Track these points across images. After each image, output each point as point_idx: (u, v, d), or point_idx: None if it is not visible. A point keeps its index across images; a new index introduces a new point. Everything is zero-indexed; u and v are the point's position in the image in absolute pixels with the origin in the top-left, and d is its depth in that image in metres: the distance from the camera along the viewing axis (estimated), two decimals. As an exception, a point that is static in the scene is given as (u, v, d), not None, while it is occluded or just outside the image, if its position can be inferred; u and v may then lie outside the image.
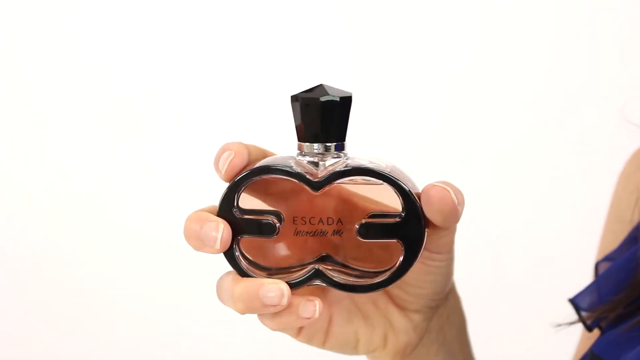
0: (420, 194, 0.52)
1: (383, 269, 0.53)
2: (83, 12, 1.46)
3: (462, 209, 0.52)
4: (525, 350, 1.37)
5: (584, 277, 0.76)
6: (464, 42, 1.39)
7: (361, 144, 1.35)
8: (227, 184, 0.53)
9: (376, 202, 0.53)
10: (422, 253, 0.53)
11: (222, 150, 0.52)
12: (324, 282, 0.53)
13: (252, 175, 0.52)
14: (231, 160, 0.52)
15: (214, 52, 1.45)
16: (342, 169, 0.52)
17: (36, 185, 1.49)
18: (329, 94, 0.52)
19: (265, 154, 0.55)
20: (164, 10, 1.45)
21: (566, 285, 0.80)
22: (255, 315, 0.54)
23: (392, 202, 0.53)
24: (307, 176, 0.52)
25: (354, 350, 0.58)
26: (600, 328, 0.69)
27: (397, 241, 0.52)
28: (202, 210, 0.53)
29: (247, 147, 0.53)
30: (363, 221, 0.53)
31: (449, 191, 0.52)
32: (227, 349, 1.47)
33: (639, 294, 0.65)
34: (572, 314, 0.70)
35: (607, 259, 0.73)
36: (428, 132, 1.41)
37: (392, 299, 0.58)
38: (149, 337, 1.50)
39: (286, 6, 1.43)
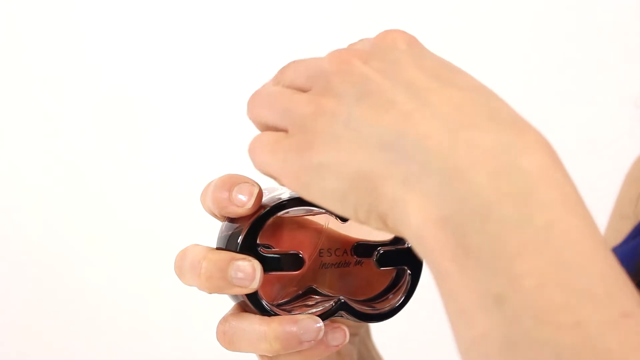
0: None
1: (379, 293, 0.53)
2: (83, 12, 1.46)
3: None
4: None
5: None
6: (464, 38, 1.39)
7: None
8: (225, 223, 0.50)
9: (380, 231, 0.53)
10: None
11: (231, 182, 0.49)
12: (348, 314, 0.52)
13: (282, 209, 0.49)
14: (258, 193, 0.48)
15: (214, 52, 1.45)
16: None
17: (35, 184, 1.49)
18: None
19: None
20: (163, 10, 1.46)
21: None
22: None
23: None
24: None
25: None
26: None
27: (406, 267, 0.52)
28: (210, 250, 0.49)
29: None
30: (381, 250, 0.52)
31: None
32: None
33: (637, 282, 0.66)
34: None
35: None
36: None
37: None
38: (148, 337, 1.50)
39: (285, 7, 1.43)
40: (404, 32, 0.43)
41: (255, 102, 0.47)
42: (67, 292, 1.51)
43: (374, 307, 0.53)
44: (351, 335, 0.57)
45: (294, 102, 0.43)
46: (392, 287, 0.53)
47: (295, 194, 0.50)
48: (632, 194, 0.78)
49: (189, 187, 1.46)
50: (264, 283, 0.50)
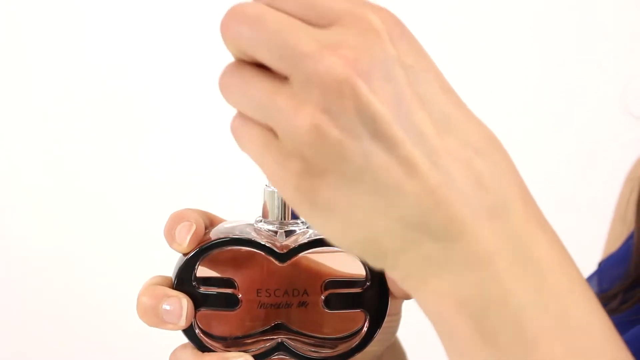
0: None
1: (342, 336, 0.52)
2: (84, 12, 1.46)
3: None
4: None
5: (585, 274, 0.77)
6: (459, 39, 1.39)
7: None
8: (180, 254, 0.51)
9: (338, 271, 0.52)
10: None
11: (177, 220, 0.51)
12: (288, 355, 0.52)
13: (216, 247, 0.50)
14: (194, 232, 0.50)
15: (214, 52, 1.45)
16: (309, 240, 0.51)
17: (35, 184, 1.49)
18: None
19: (210, 219, 0.53)
20: (163, 10, 1.46)
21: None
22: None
23: (353, 268, 0.52)
24: (273, 248, 0.51)
25: None
26: None
27: (361, 310, 0.52)
28: (153, 284, 0.51)
29: (199, 215, 0.51)
30: (328, 292, 0.52)
31: None
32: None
33: (632, 281, 0.66)
34: None
35: (609, 257, 0.75)
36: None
37: None
38: (149, 337, 1.50)
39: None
40: (383, 14, 0.39)
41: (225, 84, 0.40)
42: (66, 293, 1.51)
43: (336, 348, 0.52)
44: None
45: (277, 97, 0.38)
46: (360, 329, 0.52)
47: (243, 236, 0.51)
48: (631, 198, 0.78)
49: (189, 187, 1.46)
50: (214, 317, 0.51)
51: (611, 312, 0.67)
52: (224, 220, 0.54)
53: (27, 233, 1.50)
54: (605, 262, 0.73)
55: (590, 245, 0.84)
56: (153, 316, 0.50)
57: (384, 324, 0.53)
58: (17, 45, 1.47)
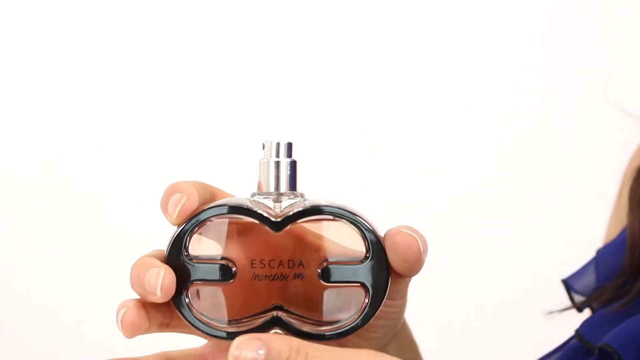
0: (382, 236, 0.49)
1: (339, 319, 0.50)
2: (83, 16, 1.46)
3: (426, 257, 0.49)
4: (517, 339, 1.38)
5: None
6: (456, 43, 1.40)
7: (359, 144, 1.35)
8: (174, 227, 0.50)
9: (336, 243, 0.50)
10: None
11: (171, 191, 0.50)
12: (284, 329, 0.50)
13: (208, 216, 0.49)
14: (183, 203, 0.49)
15: (213, 55, 1.46)
16: (305, 208, 0.49)
17: (35, 188, 1.49)
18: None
19: (212, 192, 0.52)
20: (162, 15, 1.46)
21: (562, 275, 0.82)
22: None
23: (352, 242, 0.50)
24: (268, 216, 0.49)
25: None
26: (592, 309, 0.71)
27: (360, 285, 0.49)
28: (148, 255, 0.50)
29: (195, 187, 0.50)
30: (325, 264, 0.50)
31: (416, 239, 0.49)
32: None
33: (627, 279, 0.66)
34: (562, 303, 0.72)
35: (606, 246, 0.75)
36: (429, 135, 1.42)
37: (342, 343, 0.54)
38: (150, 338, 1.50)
39: (284, 12, 1.44)
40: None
41: None
42: (60, 295, 1.51)
43: (335, 324, 0.50)
44: None
45: None
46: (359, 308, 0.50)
47: (237, 202, 0.49)
48: (623, 192, 0.79)
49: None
50: (212, 295, 0.50)
51: (606, 304, 0.68)
52: (228, 193, 0.53)
53: (24, 235, 1.50)
54: (602, 251, 0.73)
55: (589, 244, 0.84)
56: (139, 286, 0.49)
57: (387, 309, 0.52)
58: (17, 46, 1.47)
